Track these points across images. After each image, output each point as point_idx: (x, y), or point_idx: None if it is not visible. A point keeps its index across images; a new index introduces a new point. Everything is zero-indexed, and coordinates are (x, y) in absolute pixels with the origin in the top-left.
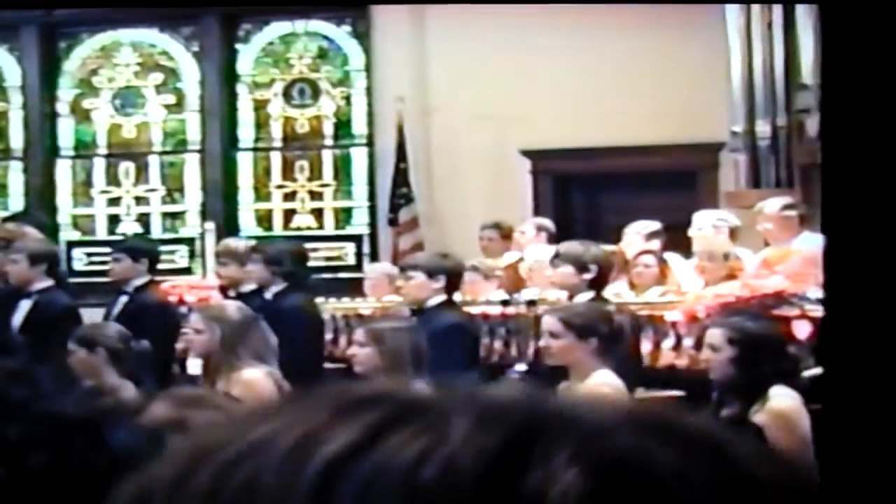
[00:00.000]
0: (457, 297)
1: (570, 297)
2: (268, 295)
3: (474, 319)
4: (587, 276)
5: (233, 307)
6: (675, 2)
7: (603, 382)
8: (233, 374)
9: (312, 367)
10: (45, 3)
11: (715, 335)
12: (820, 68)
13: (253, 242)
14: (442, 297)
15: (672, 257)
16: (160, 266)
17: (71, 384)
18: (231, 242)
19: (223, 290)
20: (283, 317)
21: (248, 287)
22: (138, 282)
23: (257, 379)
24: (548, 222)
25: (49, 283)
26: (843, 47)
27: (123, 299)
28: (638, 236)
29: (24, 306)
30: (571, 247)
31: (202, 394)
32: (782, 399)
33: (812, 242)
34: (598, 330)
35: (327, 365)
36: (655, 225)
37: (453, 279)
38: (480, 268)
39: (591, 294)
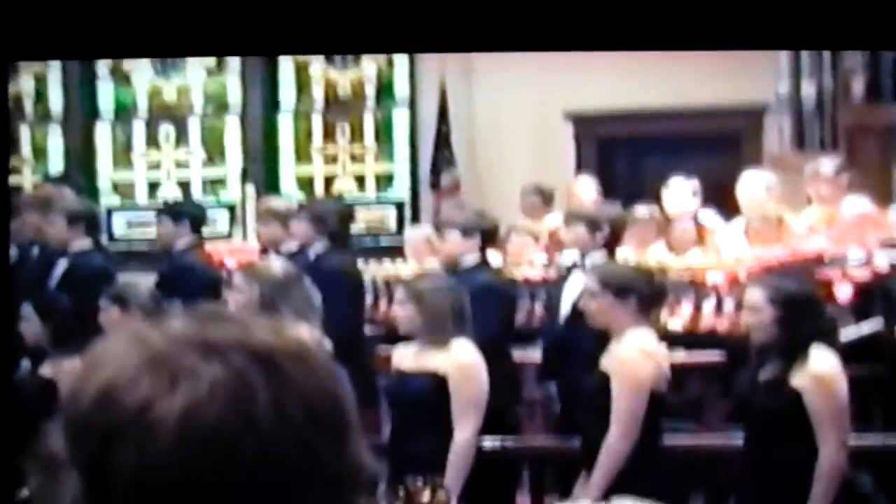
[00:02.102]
0: (498, 258)
1: (583, 257)
2: (310, 254)
3: (512, 280)
4: (600, 236)
5: (276, 265)
6: (717, 48)
7: (638, 342)
8: None
9: (351, 327)
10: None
11: (754, 296)
12: None
13: (294, 202)
14: (477, 256)
15: (715, 219)
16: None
17: None
18: (273, 202)
19: (264, 252)
20: (324, 277)
21: (290, 247)
22: (181, 244)
23: None
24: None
25: (87, 244)
26: None
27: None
28: (683, 191)
29: (61, 267)
30: (584, 206)
31: (221, 311)
32: (822, 362)
33: (857, 205)
34: (637, 289)
35: (368, 328)
36: (695, 183)
37: (489, 238)
38: (531, 230)
39: (603, 253)
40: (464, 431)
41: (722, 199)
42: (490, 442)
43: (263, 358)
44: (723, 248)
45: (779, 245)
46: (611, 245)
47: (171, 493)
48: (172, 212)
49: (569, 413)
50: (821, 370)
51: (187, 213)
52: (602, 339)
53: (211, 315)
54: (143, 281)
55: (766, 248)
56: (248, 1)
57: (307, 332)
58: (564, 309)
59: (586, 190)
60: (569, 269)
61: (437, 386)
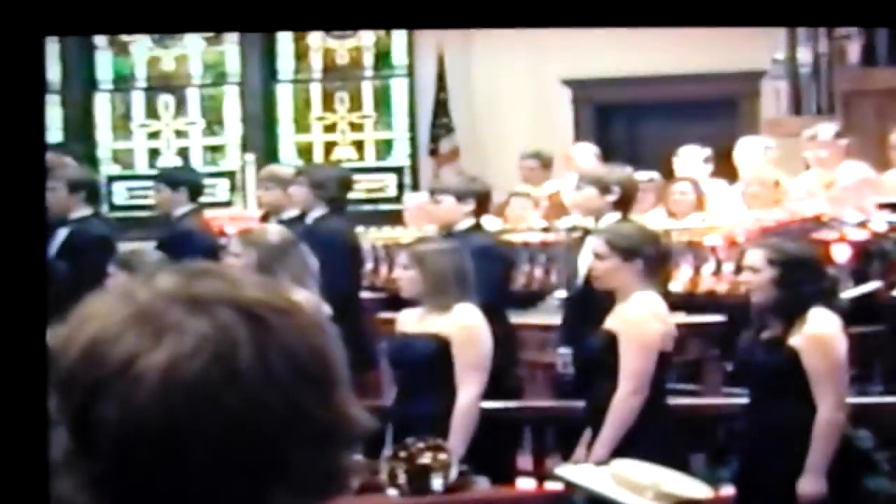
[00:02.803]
0: (498, 223)
1: (596, 220)
2: (308, 220)
3: (510, 244)
4: (610, 198)
5: (273, 231)
6: (707, 25)
7: (646, 303)
8: None
9: (349, 292)
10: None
11: (755, 256)
12: None
13: (297, 169)
14: (471, 221)
15: (715, 183)
16: (201, 199)
17: None
18: (276, 168)
19: (265, 219)
20: (322, 242)
21: (291, 213)
22: (180, 211)
23: None
24: (596, 149)
25: (87, 212)
26: None
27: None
28: (693, 160)
29: (61, 235)
30: (594, 169)
31: (210, 267)
32: (820, 323)
33: (855, 170)
34: (644, 252)
35: (369, 294)
36: (707, 151)
37: (482, 203)
38: (532, 195)
39: (616, 216)
40: (467, 394)
41: (719, 163)
42: (492, 404)
43: (249, 312)
44: (721, 211)
45: (776, 208)
46: (622, 207)
47: (155, 447)
48: (170, 179)
49: (584, 377)
50: (818, 330)
51: (185, 180)
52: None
53: (199, 271)
54: (147, 248)
55: (764, 211)
56: None
57: (305, 297)
58: (581, 273)
59: (585, 156)
60: (584, 234)
61: (439, 348)
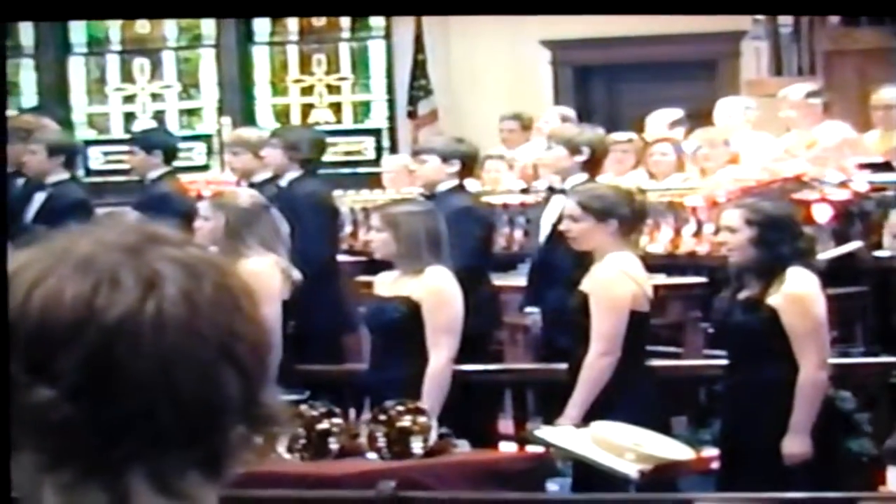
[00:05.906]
0: (476, 185)
1: (563, 180)
2: (283, 182)
3: (490, 206)
4: (579, 159)
5: (243, 194)
6: (688, 13)
7: (618, 263)
8: (240, 262)
9: (326, 255)
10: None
11: (732, 216)
12: None
13: (265, 132)
14: (454, 182)
15: (694, 145)
16: (177, 163)
17: None
18: (243, 132)
19: (240, 183)
20: (298, 204)
21: (262, 176)
22: (154, 174)
23: (262, 269)
24: (571, 112)
25: (65, 176)
26: None
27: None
28: (660, 125)
29: (39, 198)
30: (564, 129)
31: (158, 231)
32: (798, 281)
33: (834, 130)
34: (618, 212)
35: (347, 257)
36: (678, 113)
37: (467, 164)
38: (505, 157)
39: (584, 176)
40: (438, 357)
41: (700, 124)
42: (471, 367)
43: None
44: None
45: (754, 166)
46: (590, 168)
47: (176, 380)
48: (145, 141)
49: (551, 337)
50: (796, 289)
51: (160, 143)
52: (581, 260)
53: (115, 223)
54: (126, 210)
55: (743, 168)
56: None
57: (273, 261)
58: (544, 232)
59: (558, 119)
60: (550, 193)
61: (410, 312)
